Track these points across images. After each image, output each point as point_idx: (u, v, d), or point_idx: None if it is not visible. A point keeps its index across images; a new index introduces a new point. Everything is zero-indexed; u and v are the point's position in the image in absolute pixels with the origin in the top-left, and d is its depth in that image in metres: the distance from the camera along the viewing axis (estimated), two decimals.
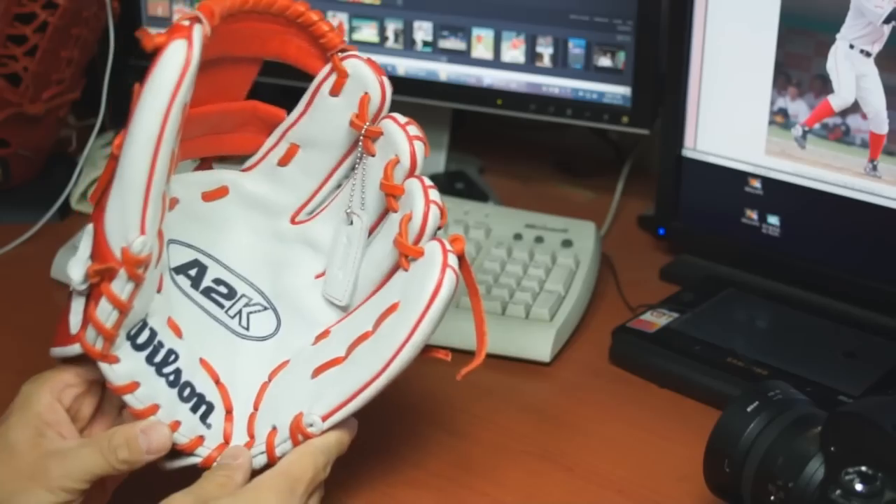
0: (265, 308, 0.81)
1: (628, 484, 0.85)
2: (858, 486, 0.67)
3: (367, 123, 0.78)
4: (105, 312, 0.70)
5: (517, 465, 0.88)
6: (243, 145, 0.84)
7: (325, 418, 0.73)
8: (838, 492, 0.67)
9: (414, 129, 0.78)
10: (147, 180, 0.66)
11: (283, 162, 0.82)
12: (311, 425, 0.73)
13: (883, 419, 0.67)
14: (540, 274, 1.05)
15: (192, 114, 0.77)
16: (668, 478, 0.85)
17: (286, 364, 0.79)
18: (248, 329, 0.80)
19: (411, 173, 0.77)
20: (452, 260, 0.74)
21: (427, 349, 0.76)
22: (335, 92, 0.79)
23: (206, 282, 0.80)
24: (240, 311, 0.80)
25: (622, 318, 1.03)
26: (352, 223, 0.80)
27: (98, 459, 0.70)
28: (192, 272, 0.80)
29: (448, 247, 0.74)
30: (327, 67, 0.80)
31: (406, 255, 0.75)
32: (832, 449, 0.70)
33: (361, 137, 0.79)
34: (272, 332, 0.81)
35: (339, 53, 0.80)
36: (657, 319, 1.01)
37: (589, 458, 0.88)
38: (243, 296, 0.81)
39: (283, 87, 1.05)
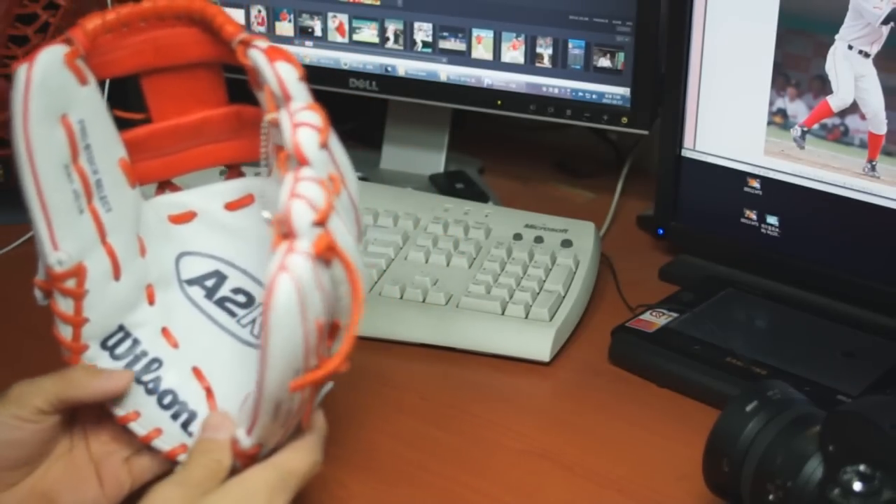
0: None
1: (628, 483, 0.86)
2: (857, 486, 0.67)
3: (269, 116, 0.70)
4: (61, 327, 0.74)
5: (517, 464, 0.88)
6: (247, 151, 0.81)
7: (248, 431, 0.70)
8: (837, 491, 0.67)
9: (305, 116, 0.68)
10: (38, 197, 0.70)
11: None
12: (238, 441, 0.71)
13: (881, 418, 0.67)
14: (539, 274, 1.05)
15: (169, 126, 0.78)
16: (668, 477, 0.86)
17: None
18: (258, 337, 0.77)
19: (299, 165, 0.67)
20: (294, 262, 0.63)
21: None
22: (257, 87, 0.73)
23: (223, 292, 0.79)
24: (254, 320, 0.79)
25: (622, 318, 1.03)
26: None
27: (56, 380, 0.73)
28: (209, 283, 0.79)
29: (298, 246, 0.63)
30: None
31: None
32: (831, 448, 0.70)
33: (265, 132, 0.74)
34: None
35: (241, 45, 0.72)
36: (656, 319, 1.02)
37: (589, 457, 0.88)
38: (261, 304, 0.78)
39: None
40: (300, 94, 0.69)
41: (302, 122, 0.67)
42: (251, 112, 0.80)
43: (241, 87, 0.79)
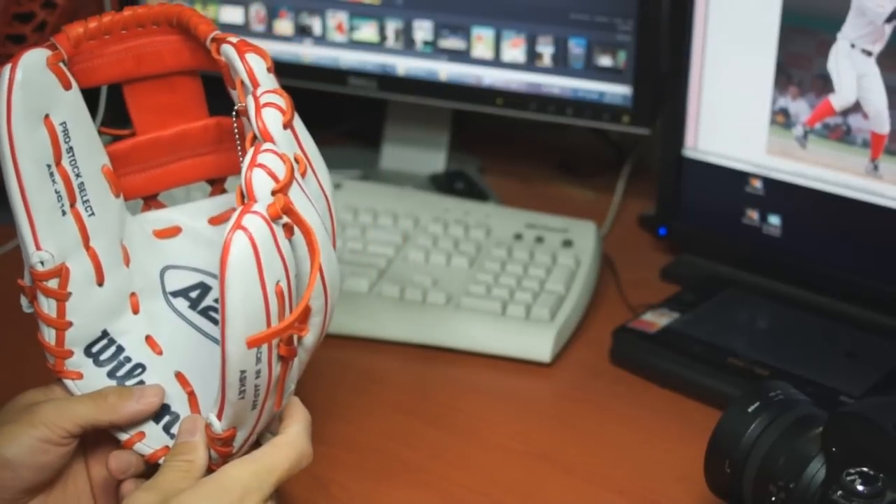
0: None
1: (628, 484, 0.85)
2: (860, 487, 0.66)
3: (238, 105, 0.72)
4: (45, 331, 0.75)
5: (517, 465, 0.88)
6: (230, 164, 0.82)
7: (218, 416, 0.70)
8: (839, 492, 0.67)
9: (269, 97, 0.69)
10: (21, 195, 0.71)
11: None
12: (211, 426, 0.70)
13: (884, 420, 0.67)
14: (540, 274, 1.05)
15: (150, 139, 0.79)
16: (668, 478, 0.85)
17: None
18: None
19: (263, 141, 0.68)
20: (250, 221, 0.63)
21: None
22: (231, 84, 0.75)
23: (207, 301, 0.80)
24: None
25: (623, 319, 1.02)
26: None
27: (88, 404, 0.72)
28: (194, 294, 0.80)
29: (255, 208, 0.64)
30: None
31: None
32: (833, 449, 0.70)
33: (235, 121, 0.75)
34: None
35: (214, 43, 0.73)
36: (658, 319, 1.01)
37: (589, 458, 0.88)
38: None
39: None
40: (268, 83, 0.71)
41: (266, 103, 0.69)
42: (229, 122, 0.81)
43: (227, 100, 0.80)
